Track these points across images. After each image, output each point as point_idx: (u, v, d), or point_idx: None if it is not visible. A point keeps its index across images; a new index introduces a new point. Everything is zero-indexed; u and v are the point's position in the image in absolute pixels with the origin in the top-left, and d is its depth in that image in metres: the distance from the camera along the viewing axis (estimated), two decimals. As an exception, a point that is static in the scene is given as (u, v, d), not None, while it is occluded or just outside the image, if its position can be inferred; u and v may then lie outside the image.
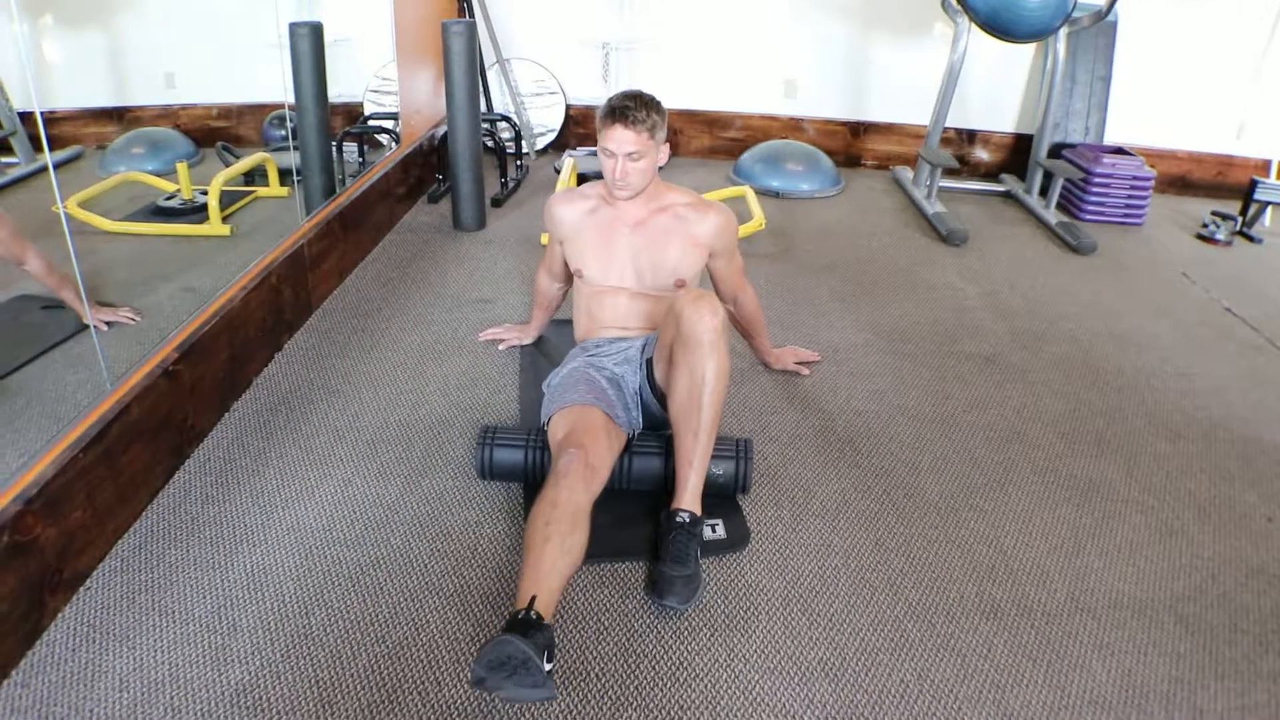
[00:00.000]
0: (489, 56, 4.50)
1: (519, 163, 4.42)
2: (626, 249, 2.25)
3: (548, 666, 1.50)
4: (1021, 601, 1.87)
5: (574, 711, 1.58)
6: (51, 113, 4.15)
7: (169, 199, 3.55)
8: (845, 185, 4.45)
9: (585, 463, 1.88)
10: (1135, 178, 4.14)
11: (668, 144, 2.21)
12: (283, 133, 4.36)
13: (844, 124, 4.66)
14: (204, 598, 1.81)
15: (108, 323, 2.61)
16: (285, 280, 2.72)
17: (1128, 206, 4.19)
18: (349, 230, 3.26)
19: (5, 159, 3.94)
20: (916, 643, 1.75)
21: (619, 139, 2.07)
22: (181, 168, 3.63)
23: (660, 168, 2.21)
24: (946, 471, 2.30)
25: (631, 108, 2.06)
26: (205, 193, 3.39)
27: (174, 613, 1.77)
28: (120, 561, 1.90)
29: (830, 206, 4.22)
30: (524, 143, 4.53)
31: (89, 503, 1.84)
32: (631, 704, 1.60)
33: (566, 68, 4.61)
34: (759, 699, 1.61)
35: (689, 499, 1.94)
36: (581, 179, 4.11)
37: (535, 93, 4.60)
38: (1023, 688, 1.66)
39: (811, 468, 2.29)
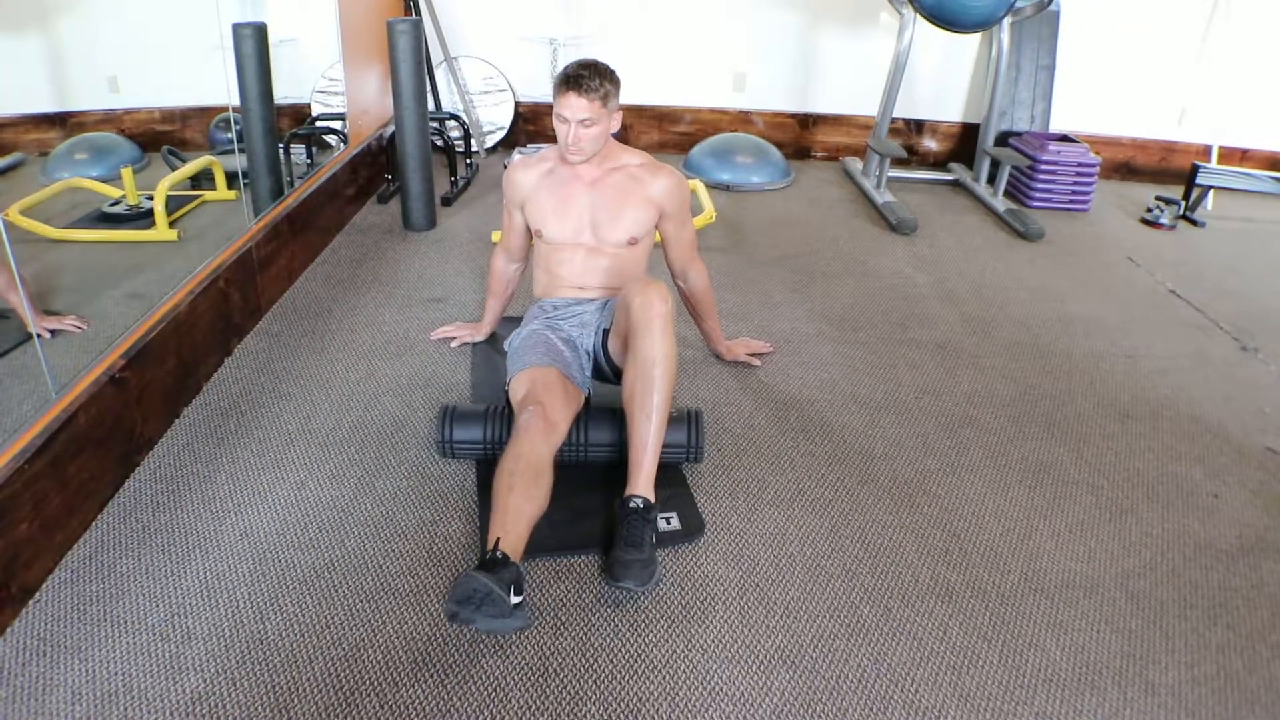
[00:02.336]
0: (436, 55, 4.47)
1: (469, 161, 4.39)
2: (583, 205, 2.32)
3: (516, 599, 1.64)
4: (975, 583, 1.90)
5: (533, 706, 1.59)
6: (-10, 120, 4.06)
7: (114, 205, 3.49)
8: (795, 177, 4.49)
9: (544, 417, 1.99)
10: (1080, 164, 4.23)
11: (620, 112, 2.28)
12: (229, 136, 4.30)
13: (793, 116, 4.70)
14: (157, 606, 1.79)
15: (53, 331, 2.56)
16: (233, 284, 2.69)
17: (1074, 193, 4.27)
18: (298, 232, 3.22)
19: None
20: (873, 627, 1.78)
21: (573, 106, 2.15)
22: (126, 173, 3.57)
23: (469, 135, 2.29)
24: (899, 458, 2.34)
25: (585, 76, 2.14)
26: (151, 198, 3.33)
27: (126, 623, 1.75)
28: (70, 573, 1.87)
29: (781, 198, 4.26)
30: (473, 141, 4.51)
31: (36, 514, 1.81)
32: (591, 697, 1.61)
33: (515, 65, 4.59)
34: (717, 688, 1.63)
35: (643, 484, 1.96)
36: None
37: (484, 90, 4.58)
38: (978, 668, 1.69)
39: (765, 458, 2.31)
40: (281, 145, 4.11)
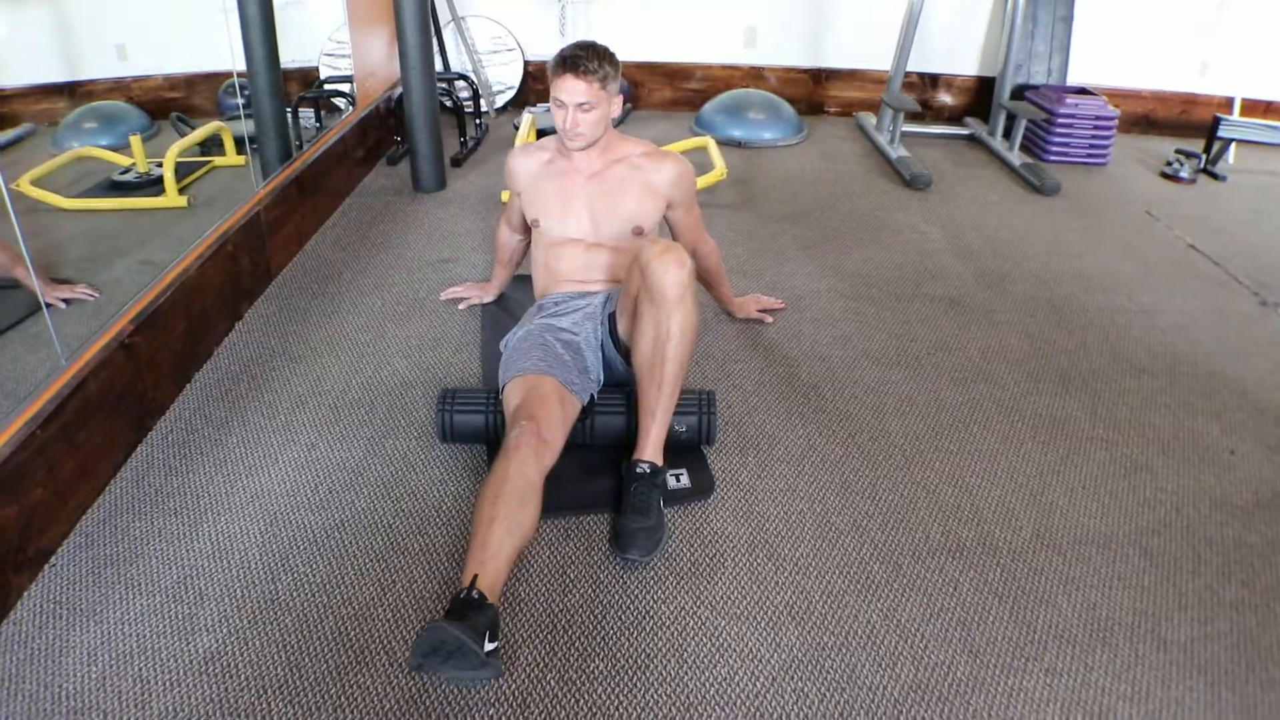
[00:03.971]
0: (444, 15, 4.40)
1: (478, 121, 4.34)
2: (583, 199, 2.23)
3: (490, 646, 1.50)
4: (987, 540, 1.88)
5: (542, 663, 1.58)
6: (0, 90, 4.05)
7: (124, 173, 3.47)
8: (808, 133, 4.41)
9: (537, 435, 1.84)
10: (1099, 118, 4.13)
11: (620, 96, 2.19)
12: (237, 101, 4.26)
13: (805, 71, 4.61)
14: (170, 569, 1.79)
15: (65, 300, 2.56)
16: (242, 248, 2.67)
17: (1091, 147, 4.18)
18: (306, 195, 3.20)
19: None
20: (883, 584, 1.76)
21: (570, 89, 2.06)
22: (135, 141, 3.55)
23: (616, 122, 2.19)
24: (911, 414, 2.30)
25: (583, 57, 2.04)
26: (160, 165, 3.31)
27: (140, 585, 1.76)
28: (85, 537, 1.88)
29: (793, 154, 4.19)
30: (483, 101, 4.45)
31: (49, 479, 1.81)
32: (599, 654, 1.60)
33: (523, 24, 4.52)
34: (725, 644, 1.62)
35: (650, 450, 1.94)
36: (540, 135, 4.05)
37: (493, 50, 4.51)
38: (988, 624, 1.67)
39: (776, 415, 2.29)
40: (289, 109, 4.08)
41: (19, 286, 2.59)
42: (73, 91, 4.02)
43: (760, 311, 2.73)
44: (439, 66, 4.40)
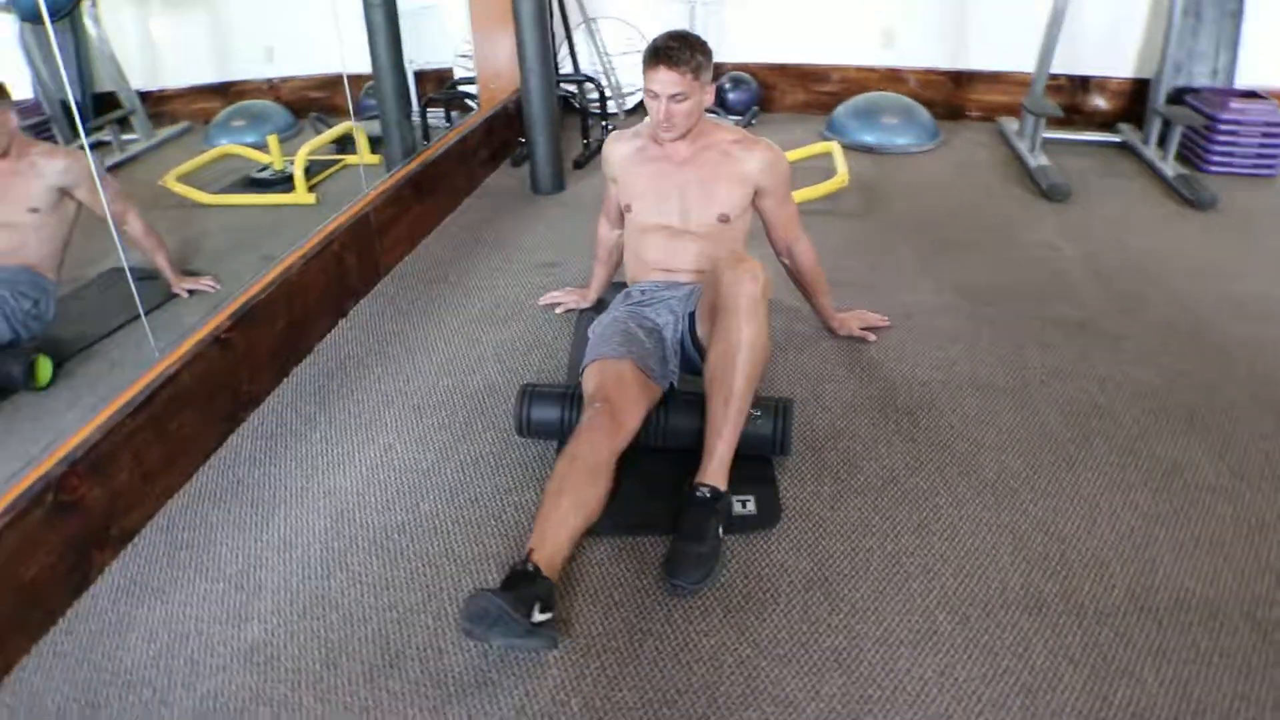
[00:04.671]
0: (575, 17, 4.41)
1: (605, 124, 4.33)
2: (673, 185, 2.21)
3: (541, 617, 1.52)
4: (1072, 597, 1.69)
5: (568, 685, 1.53)
6: (162, 91, 4.35)
7: (261, 170, 3.66)
8: (944, 139, 4.15)
9: (610, 416, 1.87)
10: (1268, 124, 3.67)
11: (713, 85, 2.15)
12: (375, 102, 4.42)
13: (945, 73, 4.34)
14: (236, 557, 1.85)
15: (190, 290, 2.71)
16: (349, 247, 2.75)
17: (1259, 156, 3.73)
18: (423, 195, 3.26)
19: (127, 136, 4.15)
20: (945, 636, 1.61)
21: (662, 80, 2.03)
22: (271, 140, 3.73)
23: (709, 111, 2.16)
24: (1011, 448, 2.11)
25: (675, 48, 2.02)
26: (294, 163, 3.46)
27: (207, 570, 1.82)
28: (168, 520, 1.96)
29: (926, 161, 3.96)
30: (613, 102, 4.44)
31: (136, 465, 1.90)
32: (628, 682, 1.53)
33: (655, 25, 4.47)
34: (761, 687, 1.52)
35: (713, 472, 1.85)
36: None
37: (624, 52, 4.48)
38: (1057, 692, 1.50)
39: (862, 441, 2.14)
40: (420, 110, 4.18)
41: (155, 277, 2.76)
42: (225, 91, 4.28)
43: (862, 330, 2.57)
44: (569, 68, 4.41)
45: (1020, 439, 2.14)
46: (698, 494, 1.82)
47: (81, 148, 2.49)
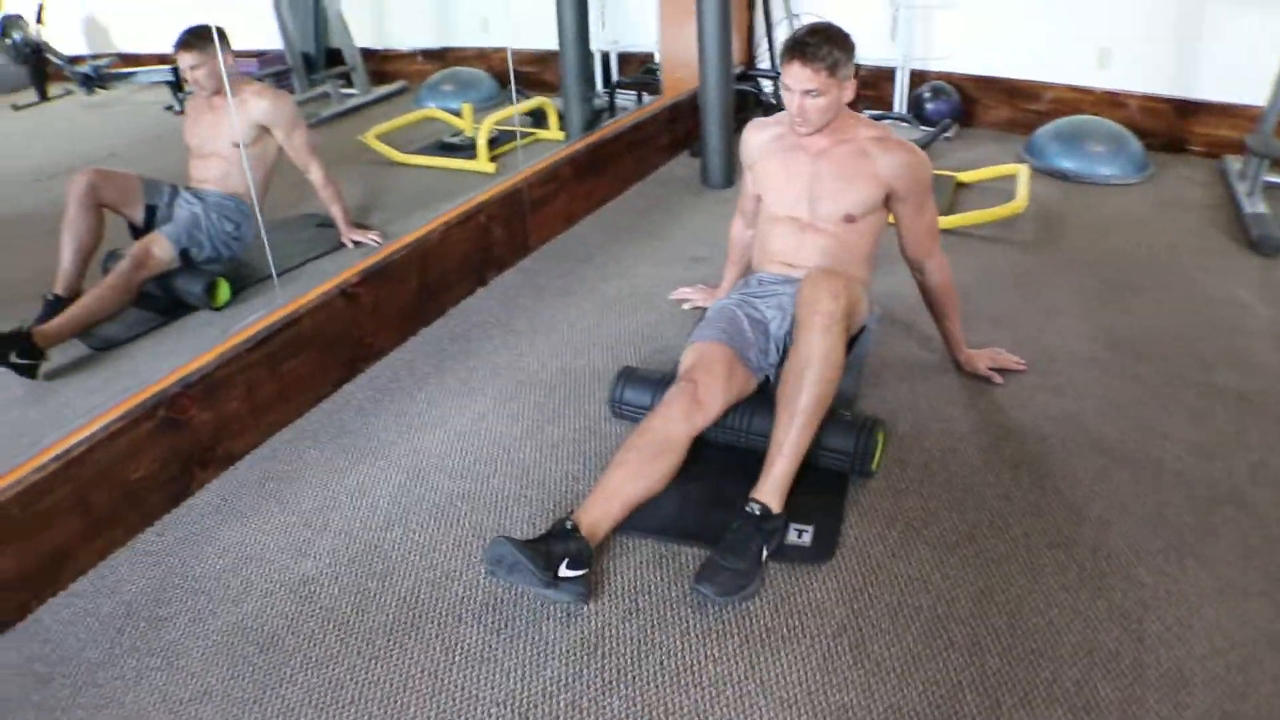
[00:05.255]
0: (779, 11, 4.29)
1: None
2: (804, 176, 2.12)
3: (570, 573, 1.61)
4: (1132, 708, 1.47)
5: (562, 681, 1.53)
6: (387, 51, 4.64)
7: (454, 136, 3.83)
8: (1154, 173, 3.69)
9: (693, 396, 1.86)
10: None
11: (853, 81, 2.03)
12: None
13: (1168, 101, 3.82)
14: (315, 496, 1.97)
15: (356, 242, 2.89)
16: (496, 220, 2.83)
17: None
18: (585, 176, 3.29)
19: (347, 90, 4.47)
20: (968, 718, 1.46)
21: (796, 76, 1.95)
22: (466, 108, 3.89)
23: (852, 105, 2.08)
24: (1117, 525, 1.86)
25: (811, 44, 1.93)
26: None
27: (288, 504, 1.95)
28: (271, 450, 2.12)
29: (1126, 195, 3.54)
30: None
31: (248, 396, 2.07)
32: (619, 691, 1.50)
33: (858, 25, 4.23)
34: (748, 727, 1.44)
35: (769, 490, 1.77)
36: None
37: None
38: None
39: (951, 489, 1.96)
40: (608, 91, 4.22)
41: (331, 225, 2.97)
42: (443, 57, 4.50)
43: (991, 370, 2.36)
44: (765, 64, 4.31)
45: (1131, 517, 1.88)
46: (749, 508, 1.75)
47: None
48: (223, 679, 1.55)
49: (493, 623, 1.64)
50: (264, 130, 2.71)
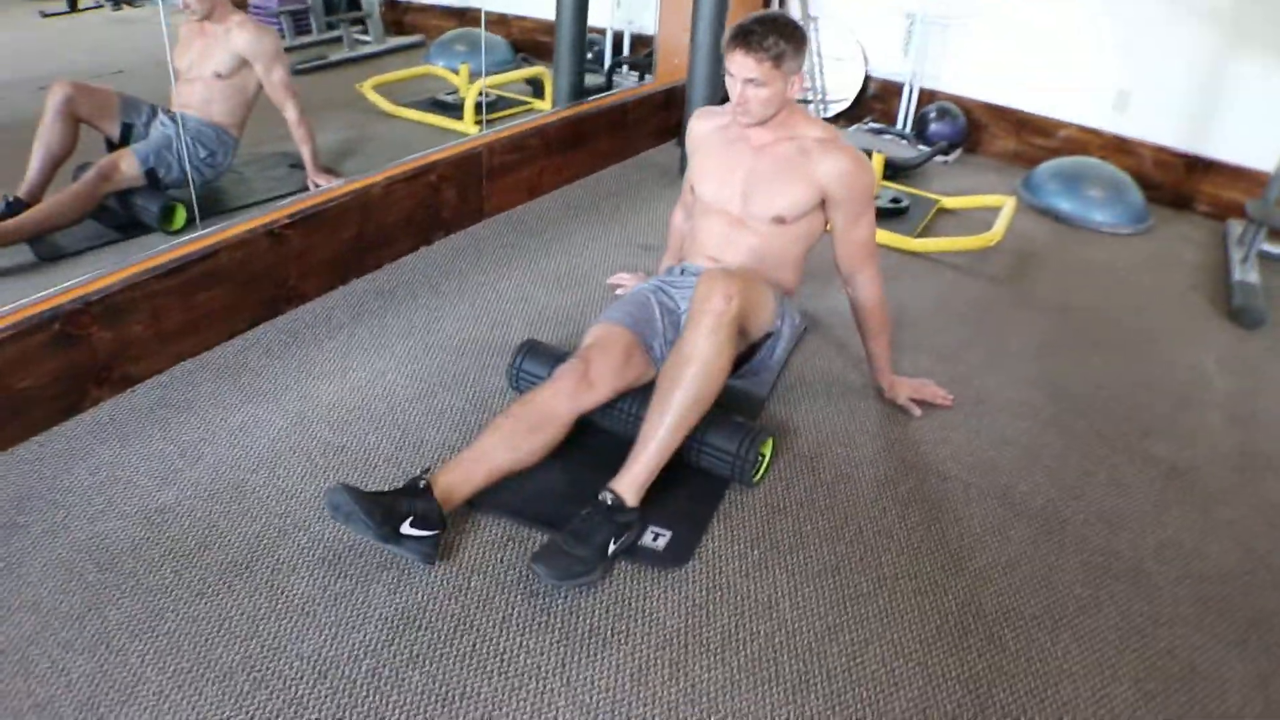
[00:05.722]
0: (795, 12, 4.16)
1: None
2: (741, 170, 2.05)
3: (416, 532, 1.58)
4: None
5: (367, 647, 1.50)
6: (409, 3, 4.59)
7: (449, 94, 3.78)
8: (1152, 226, 3.52)
9: (583, 374, 1.83)
10: None
11: (801, 75, 1.95)
12: (588, 55, 4.42)
13: (1179, 156, 3.63)
14: (198, 428, 1.96)
15: (318, 184, 2.86)
16: (449, 181, 2.78)
17: None
18: (552, 151, 3.22)
19: (361, 37, 4.44)
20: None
21: (739, 63, 1.88)
22: (463, 68, 3.84)
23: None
24: (997, 582, 1.76)
25: (757, 32, 1.85)
26: (483, 94, 3.54)
27: (171, 432, 1.95)
28: (170, 378, 2.11)
29: (1115, 246, 3.38)
30: (812, 106, 4.18)
31: (153, 322, 2.04)
32: (421, 666, 1.47)
33: (872, 35, 4.12)
34: (534, 711, 1.40)
35: (626, 483, 1.71)
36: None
37: (837, 57, 4.18)
38: None
39: (831, 517, 1.89)
40: (608, 69, 4.14)
41: (300, 167, 2.94)
42: (462, 15, 4.44)
43: (913, 400, 2.27)
44: None
45: (1016, 576, 1.79)
46: (601, 496, 1.69)
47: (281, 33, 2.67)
48: (53, 592, 1.55)
49: (323, 578, 1.61)
50: (244, 63, 2.70)
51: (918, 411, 2.25)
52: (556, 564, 1.61)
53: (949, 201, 3.45)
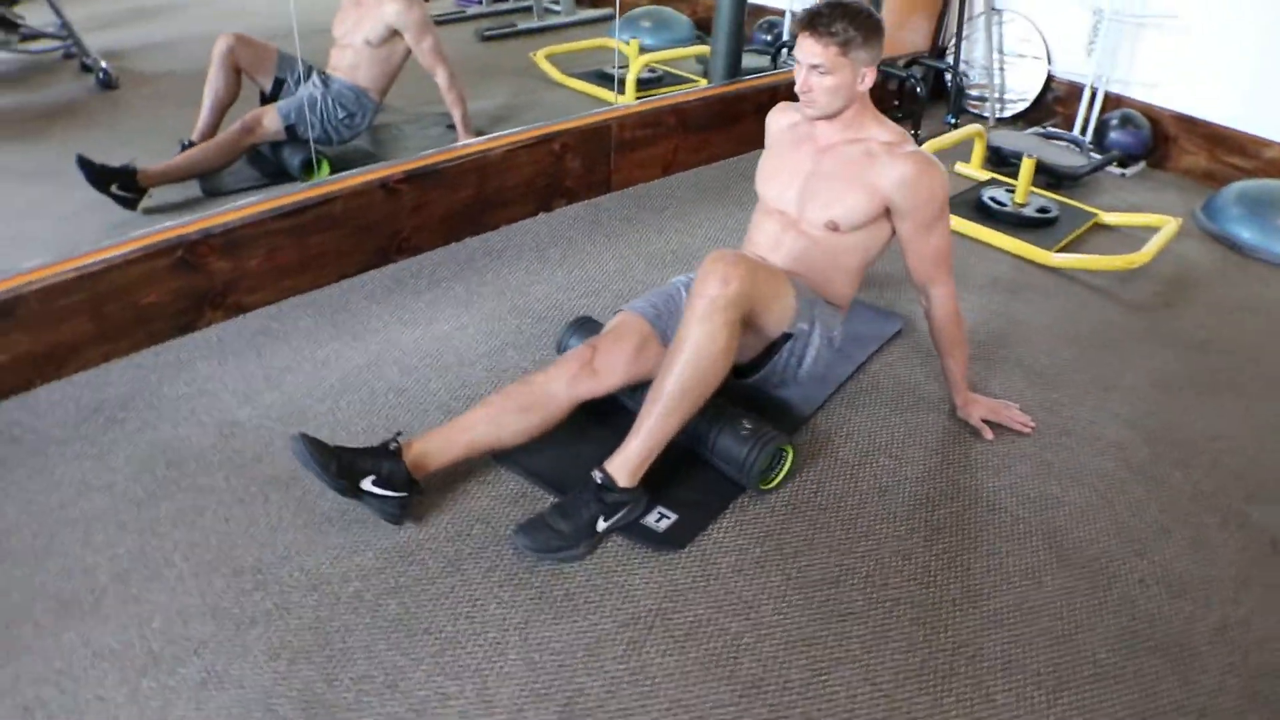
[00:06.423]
0: (979, 4, 3.84)
1: (951, 119, 3.81)
2: (801, 171, 1.97)
3: (378, 490, 1.61)
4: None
5: (359, 571, 1.61)
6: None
7: (621, 68, 3.81)
8: None
9: (586, 361, 1.81)
10: None
11: (872, 69, 1.84)
12: (768, 38, 4.35)
13: None
14: (286, 357, 2.16)
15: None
16: (574, 150, 2.83)
17: None
18: (690, 129, 3.19)
19: (551, 6, 4.59)
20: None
21: (805, 48, 1.81)
22: (633, 43, 3.87)
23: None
24: (1008, 630, 1.61)
25: (825, 16, 1.77)
26: (651, 70, 3.56)
27: (264, 357, 2.15)
28: (278, 310, 2.33)
29: (1301, 286, 2.93)
30: (987, 105, 3.88)
31: (268, 258, 2.26)
32: (398, 598, 1.56)
33: (1055, 32, 3.72)
34: (485, 684, 1.44)
35: (618, 463, 1.70)
36: (994, 152, 3.43)
37: (1019, 54, 3.83)
38: None
39: (851, 529, 1.80)
40: (777, 49, 4.03)
41: (453, 128, 3.12)
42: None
43: (985, 421, 2.10)
44: (950, 59, 3.90)
45: (1034, 628, 1.62)
46: (594, 475, 1.70)
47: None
48: (126, 479, 1.77)
49: (344, 503, 1.71)
50: (394, 32, 2.86)
51: (989, 434, 2.08)
52: (537, 536, 1.64)
53: (1109, 217, 3.11)
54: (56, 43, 3.14)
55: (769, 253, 2.02)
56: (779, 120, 2.09)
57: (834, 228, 1.92)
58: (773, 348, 1.89)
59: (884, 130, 1.92)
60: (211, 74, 2.71)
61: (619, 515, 1.70)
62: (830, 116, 1.89)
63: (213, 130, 2.73)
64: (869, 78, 1.84)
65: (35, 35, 3.14)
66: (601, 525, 1.69)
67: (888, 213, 1.91)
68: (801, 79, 1.84)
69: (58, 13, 3.05)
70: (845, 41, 1.77)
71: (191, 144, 2.70)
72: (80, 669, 1.41)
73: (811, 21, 1.78)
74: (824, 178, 1.93)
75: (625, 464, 1.70)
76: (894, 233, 1.96)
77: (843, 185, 1.90)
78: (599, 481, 1.69)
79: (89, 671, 1.40)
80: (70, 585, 1.54)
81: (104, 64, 3.08)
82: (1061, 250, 2.85)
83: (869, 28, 1.79)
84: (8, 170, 2.65)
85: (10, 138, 2.79)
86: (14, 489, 1.73)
